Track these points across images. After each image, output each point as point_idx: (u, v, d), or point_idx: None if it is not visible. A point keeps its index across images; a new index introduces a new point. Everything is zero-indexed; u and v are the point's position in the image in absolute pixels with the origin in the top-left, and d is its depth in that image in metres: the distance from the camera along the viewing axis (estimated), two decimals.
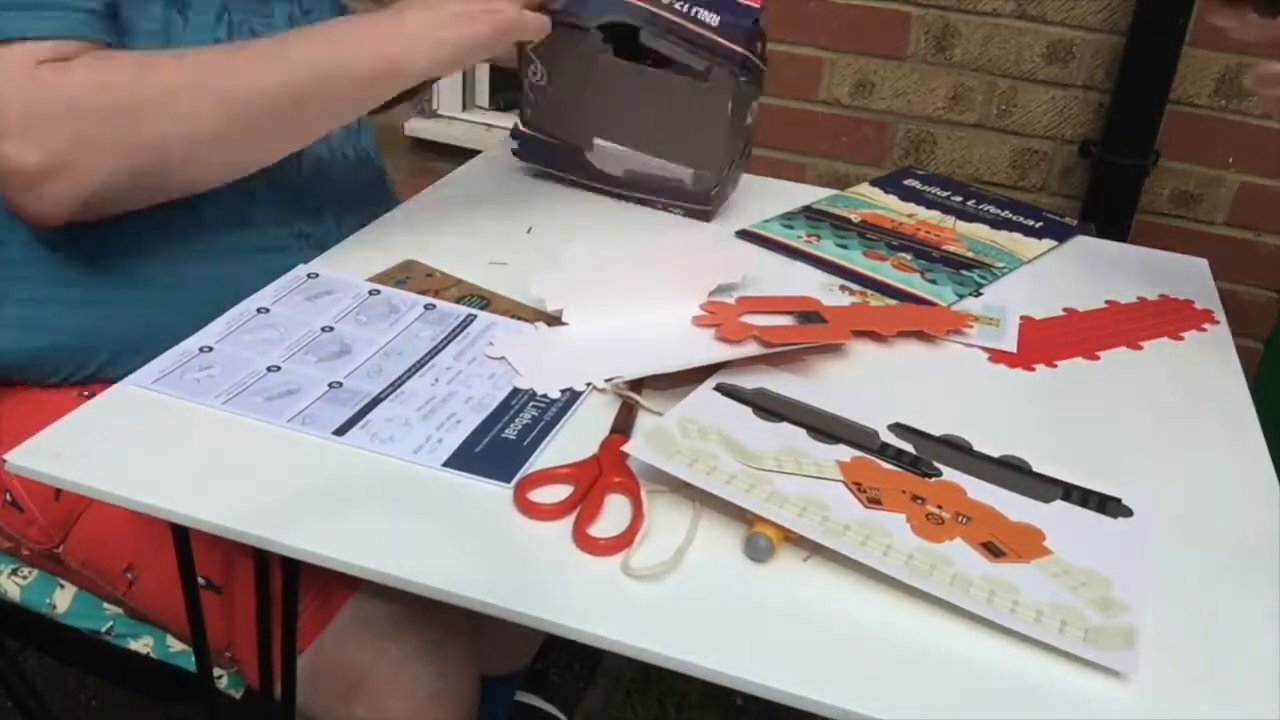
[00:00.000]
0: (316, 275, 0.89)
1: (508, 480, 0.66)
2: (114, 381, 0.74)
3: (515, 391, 0.75)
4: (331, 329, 0.82)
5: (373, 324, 0.83)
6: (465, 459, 0.68)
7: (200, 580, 0.78)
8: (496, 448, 0.69)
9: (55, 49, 0.75)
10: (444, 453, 0.69)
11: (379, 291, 0.87)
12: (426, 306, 0.86)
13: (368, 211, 1.02)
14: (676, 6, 0.98)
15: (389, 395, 0.74)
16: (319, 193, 0.95)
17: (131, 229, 0.84)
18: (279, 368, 0.77)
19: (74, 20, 0.77)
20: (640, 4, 0.98)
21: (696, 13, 0.98)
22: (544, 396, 0.75)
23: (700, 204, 1.05)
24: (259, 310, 0.84)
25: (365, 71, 0.84)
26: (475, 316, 0.85)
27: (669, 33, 0.98)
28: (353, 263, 0.92)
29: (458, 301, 0.87)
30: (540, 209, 1.07)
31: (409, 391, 0.75)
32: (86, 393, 0.88)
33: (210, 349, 0.78)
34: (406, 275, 0.91)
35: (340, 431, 0.70)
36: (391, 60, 0.84)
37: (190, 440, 0.69)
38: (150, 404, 0.72)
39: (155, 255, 0.87)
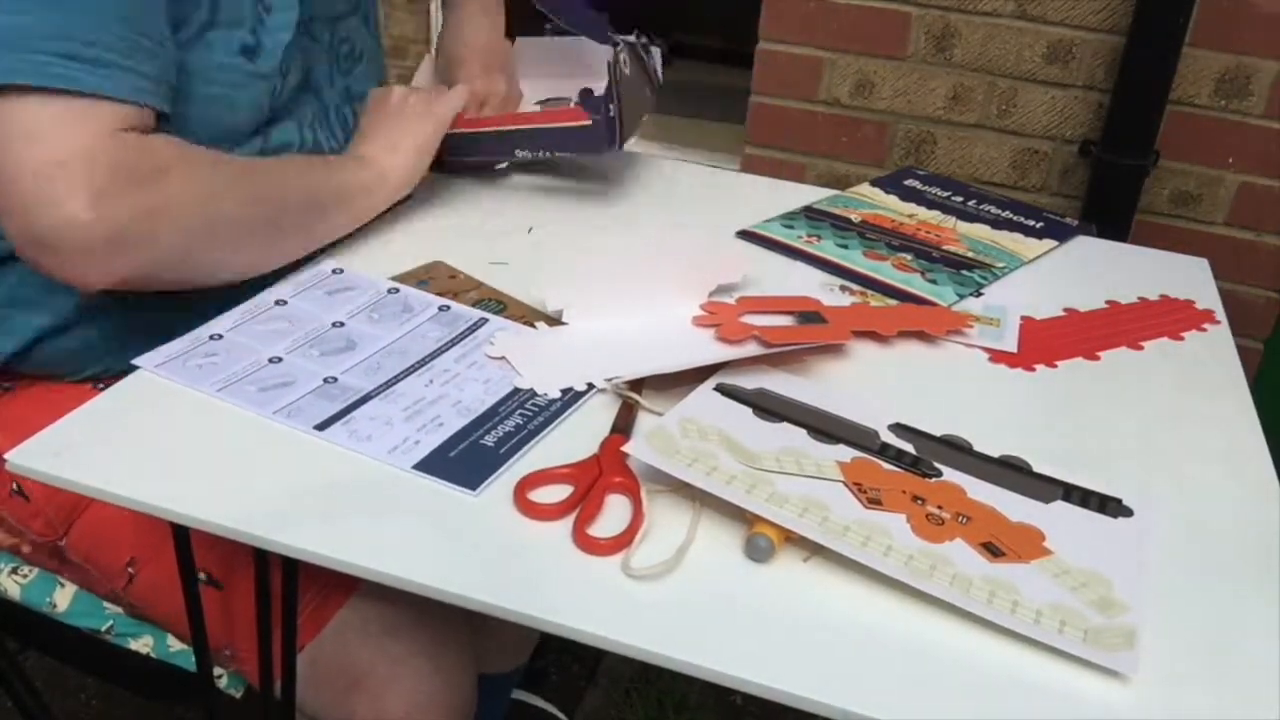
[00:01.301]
0: (341, 271, 0.90)
1: (473, 488, 0.66)
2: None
3: (507, 397, 0.75)
4: (342, 324, 0.82)
5: (383, 322, 0.83)
6: (436, 463, 0.68)
7: (201, 576, 0.79)
8: (472, 454, 0.69)
9: (132, 115, 0.74)
10: (417, 455, 0.68)
11: (398, 290, 0.88)
12: (441, 308, 0.86)
13: None
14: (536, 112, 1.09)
15: (379, 394, 0.74)
16: None
17: None
18: (280, 359, 0.77)
19: (143, 85, 0.75)
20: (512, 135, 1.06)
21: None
22: (535, 403, 0.75)
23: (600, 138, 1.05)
24: (277, 302, 0.84)
25: (359, 183, 0.94)
26: (486, 320, 0.85)
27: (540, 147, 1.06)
28: (379, 260, 0.92)
29: (474, 305, 0.87)
30: (540, 209, 1.07)
31: (400, 391, 0.75)
32: (102, 385, 0.88)
33: (220, 337, 0.79)
34: (430, 276, 0.91)
35: (321, 427, 0.70)
36: (379, 175, 0.95)
37: (187, 435, 0.70)
38: (150, 401, 0.73)
39: None
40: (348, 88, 1.03)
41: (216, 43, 0.83)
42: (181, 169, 0.77)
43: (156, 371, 0.75)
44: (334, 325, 0.82)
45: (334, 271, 0.90)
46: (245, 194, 0.82)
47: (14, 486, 0.89)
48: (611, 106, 1.01)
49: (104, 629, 0.93)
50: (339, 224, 0.92)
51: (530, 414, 0.74)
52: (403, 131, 0.98)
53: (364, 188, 0.94)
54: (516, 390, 0.76)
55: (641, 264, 0.87)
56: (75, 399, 0.72)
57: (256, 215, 0.83)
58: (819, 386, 0.79)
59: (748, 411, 0.74)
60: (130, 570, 0.89)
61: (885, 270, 0.98)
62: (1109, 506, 0.69)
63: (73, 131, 0.71)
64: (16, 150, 0.70)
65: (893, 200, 1.16)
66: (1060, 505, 0.69)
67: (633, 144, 1.12)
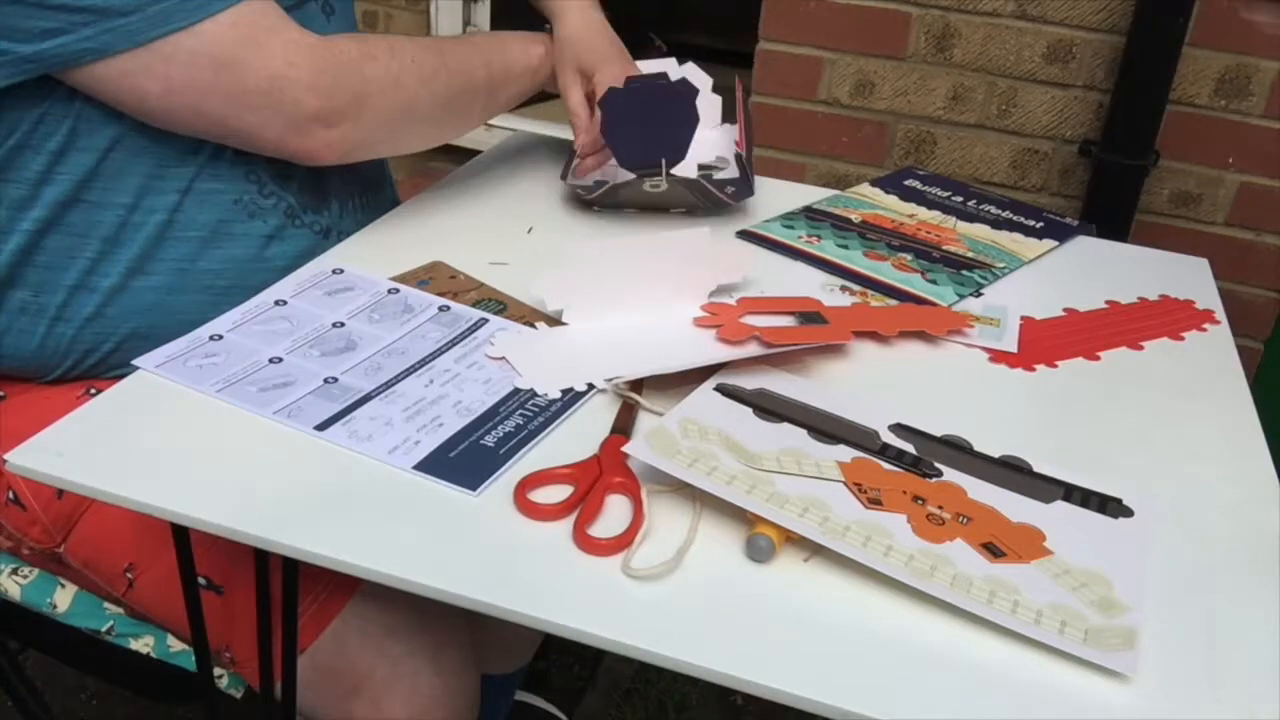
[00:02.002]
0: (341, 271, 0.90)
1: (474, 488, 0.66)
2: (118, 378, 0.74)
3: (507, 397, 0.75)
4: (342, 324, 0.82)
5: (384, 322, 0.83)
6: (437, 464, 0.68)
7: (200, 580, 0.78)
8: (472, 454, 0.69)
9: (278, 12, 0.84)
10: (417, 455, 0.68)
11: (398, 290, 0.88)
12: (441, 308, 0.86)
13: (370, 196, 1.03)
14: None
15: (379, 394, 0.74)
16: (323, 179, 0.96)
17: (135, 219, 0.85)
18: (281, 359, 0.77)
19: None
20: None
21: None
22: (535, 404, 0.75)
23: (722, 200, 1.06)
24: (277, 302, 0.84)
25: (524, 64, 1.04)
26: (486, 320, 0.85)
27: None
28: (379, 260, 0.92)
29: (475, 305, 0.87)
30: (540, 209, 1.07)
31: (400, 391, 0.75)
32: (94, 389, 0.88)
33: (220, 337, 0.79)
34: (430, 276, 0.91)
35: (322, 427, 0.70)
36: (540, 58, 1.05)
37: (187, 435, 0.70)
38: (150, 400, 0.73)
39: (167, 241, 0.87)
40: None
41: None
42: (376, 59, 0.89)
43: (156, 372, 0.75)
44: (334, 325, 0.82)
45: (334, 271, 0.90)
46: (431, 74, 0.93)
47: (10, 494, 0.89)
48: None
49: (104, 629, 0.93)
50: (504, 101, 1.03)
51: (530, 414, 0.74)
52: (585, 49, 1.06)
53: (529, 70, 1.04)
54: (516, 390, 0.76)
55: (642, 264, 0.87)
56: (66, 405, 0.72)
57: (442, 93, 0.95)
58: (819, 386, 0.79)
59: (748, 411, 0.74)
60: (129, 575, 0.89)
61: (885, 270, 0.98)
62: (1109, 506, 0.69)
63: (278, 40, 0.83)
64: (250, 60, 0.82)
65: (893, 200, 1.16)
66: (1060, 505, 0.69)
67: None
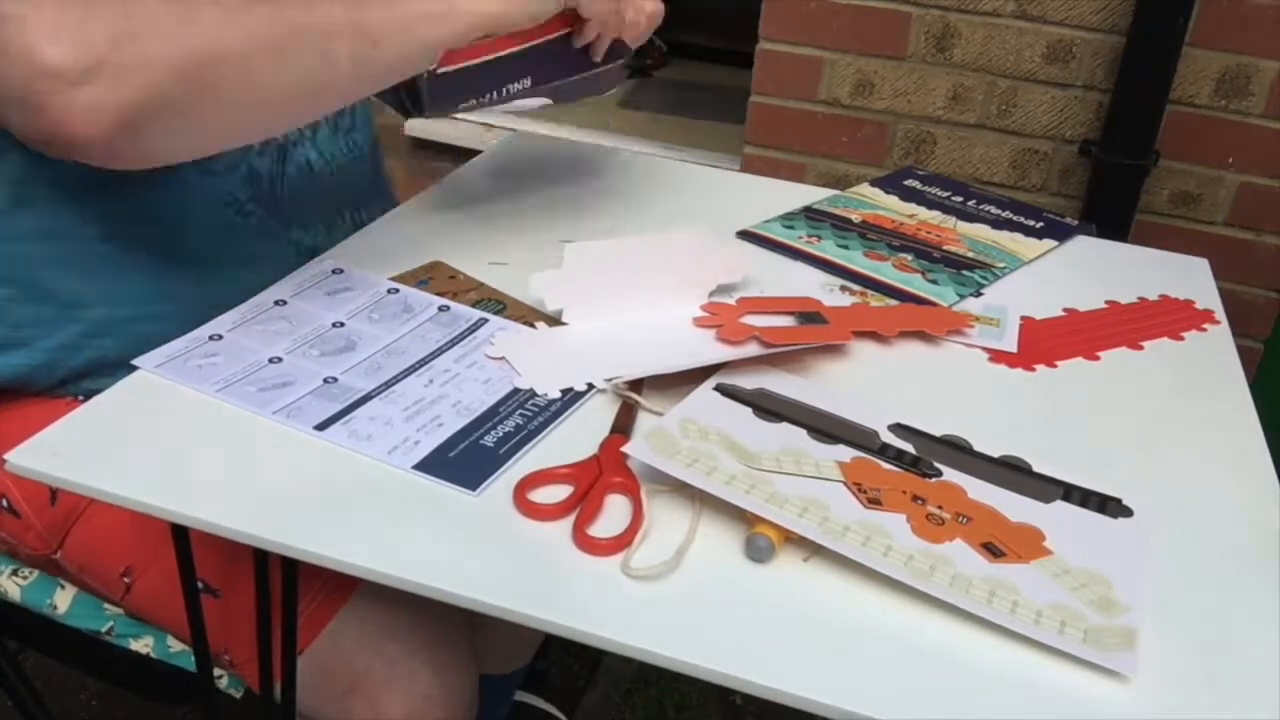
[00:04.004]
0: (340, 271, 0.90)
1: (474, 488, 0.66)
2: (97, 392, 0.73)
3: (507, 397, 0.75)
4: (342, 324, 0.82)
5: (383, 322, 0.83)
6: (437, 463, 0.68)
7: (198, 584, 0.78)
8: (471, 454, 0.69)
9: None
10: (417, 455, 0.68)
11: (397, 290, 0.88)
12: (441, 308, 0.86)
13: (365, 211, 1.01)
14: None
15: (379, 394, 0.74)
16: (309, 199, 0.94)
17: (115, 240, 0.83)
18: (280, 359, 0.77)
19: None
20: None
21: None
22: (534, 403, 0.75)
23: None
24: (276, 302, 0.84)
25: (426, 9, 0.78)
26: (486, 320, 0.85)
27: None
28: (379, 260, 0.92)
29: (474, 305, 0.87)
30: (541, 209, 1.07)
31: (400, 391, 0.75)
32: (82, 398, 0.87)
33: (220, 337, 0.79)
34: (430, 276, 0.91)
35: (321, 427, 0.70)
36: (452, 1, 0.79)
37: (187, 435, 0.69)
38: (149, 401, 0.73)
39: (139, 269, 0.85)
40: None
41: None
42: None
43: (156, 372, 0.75)
44: (334, 325, 0.82)
45: (334, 271, 0.90)
46: (255, 17, 0.69)
47: (3, 502, 0.88)
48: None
49: (104, 630, 0.93)
50: (390, 60, 0.77)
51: (530, 414, 0.74)
52: None
53: (426, 14, 0.77)
54: (516, 390, 0.76)
55: (641, 264, 0.87)
56: (58, 412, 0.71)
57: (265, 36, 0.69)
58: (819, 386, 0.79)
59: (748, 411, 0.74)
60: (126, 580, 0.89)
61: (886, 270, 0.98)
62: (1109, 506, 0.69)
63: None
64: None
65: (893, 200, 1.16)
66: (1060, 505, 0.69)
67: (633, 144, 1.12)
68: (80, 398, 0.86)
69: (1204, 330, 0.94)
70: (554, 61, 0.93)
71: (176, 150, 0.73)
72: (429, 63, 0.81)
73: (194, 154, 0.75)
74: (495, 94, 0.92)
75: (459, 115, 0.95)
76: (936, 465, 0.71)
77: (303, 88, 0.74)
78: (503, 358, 0.80)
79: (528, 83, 0.93)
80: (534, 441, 0.71)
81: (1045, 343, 0.89)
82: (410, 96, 0.88)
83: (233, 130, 0.75)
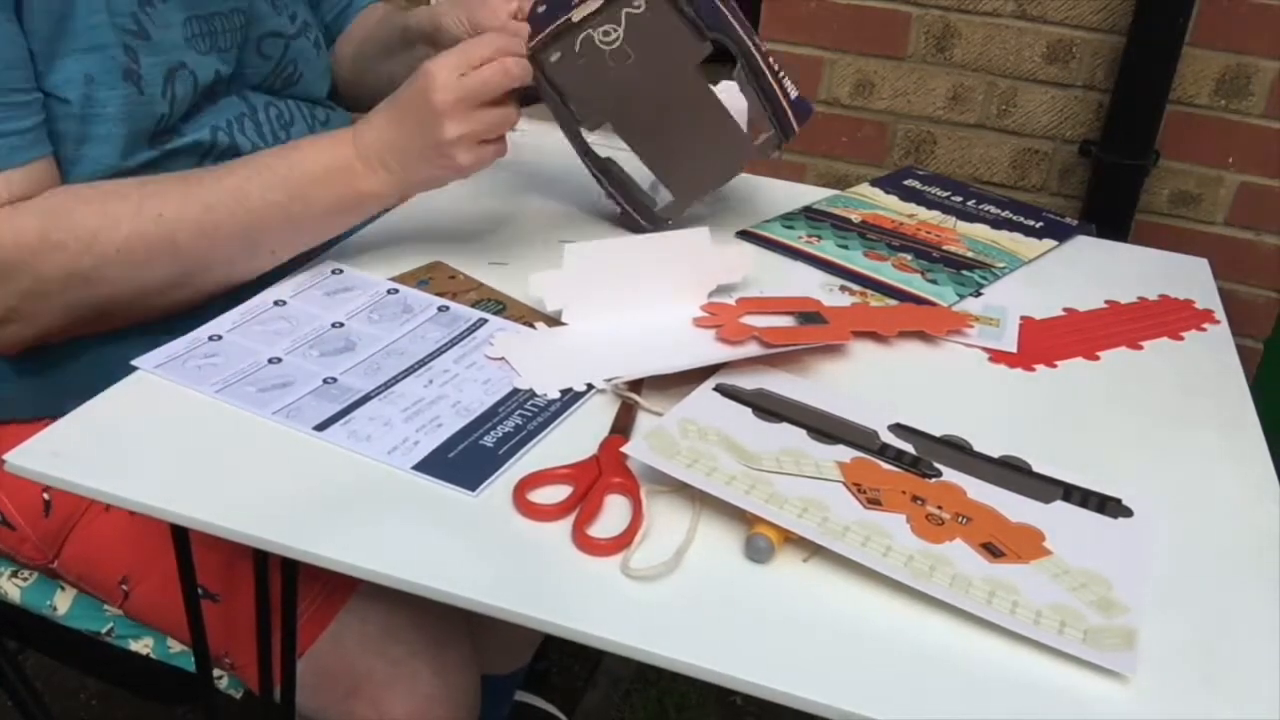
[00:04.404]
0: (340, 271, 0.89)
1: (473, 489, 0.66)
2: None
3: (506, 397, 0.75)
4: (342, 325, 0.82)
5: (383, 323, 0.83)
6: (436, 464, 0.68)
7: (197, 589, 0.78)
8: (471, 455, 0.69)
9: (18, 178, 0.76)
10: (417, 456, 0.68)
11: (397, 291, 0.88)
12: (440, 309, 0.86)
13: None
14: (771, 62, 0.97)
15: (379, 394, 0.74)
16: None
17: None
18: (280, 359, 0.77)
19: (18, 143, 0.76)
20: (750, 41, 0.94)
21: (783, 78, 0.98)
22: (534, 404, 0.75)
23: (647, 223, 1.01)
24: (275, 303, 0.84)
25: (333, 209, 0.84)
26: (486, 320, 0.85)
27: (755, 78, 0.96)
28: (379, 260, 0.92)
29: (474, 305, 0.87)
30: (541, 210, 1.07)
31: (399, 392, 0.75)
32: None
33: (219, 338, 0.79)
34: (430, 276, 0.91)
35: (321, 427, 0.70)
36: (359, 198, 0.84)
37: (186, 436, 0.69)
38: (148, 401, 0.73)
39: None
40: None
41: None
42: (63, 249, 0.76)
43: (155, 372, 0.75)
44: (333, 326, 0.82)
45: (333, 272, 0.90)
46: (151, 250, 0.78)
47: None
48: None
49: (104, 630, 0.93)
50: (291, 253, 0.86)
51: (530, 414, 0.73)
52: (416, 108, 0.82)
53: (338, 212, 0.85)
54: (516, 391, 0.76)
55: (641, 264, 0.87)
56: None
57: (180, 277, 0.81)
58: (819, 386, 0.79)
59: (748, 412, 0.74)
60: (124, 588, 0.89)
61: (885, 270, 0.98)
62: (1109, 506, 0.69)
63: None
64: None
65: (893, 200, 1.16)
66: (1060, 505, 0.69)
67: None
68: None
69: (1204, 330, 0.94)
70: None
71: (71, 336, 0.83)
72: (348, 216, 0.87)
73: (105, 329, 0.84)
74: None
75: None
76: (936, 465, 0.71)
77: (192, 300, 0.84)
78: (502, 358, 0.80)
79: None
80: (533, 442, 0.71)
81: (1045, 343, 0.89)
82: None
83: (121, 325, 0.84)
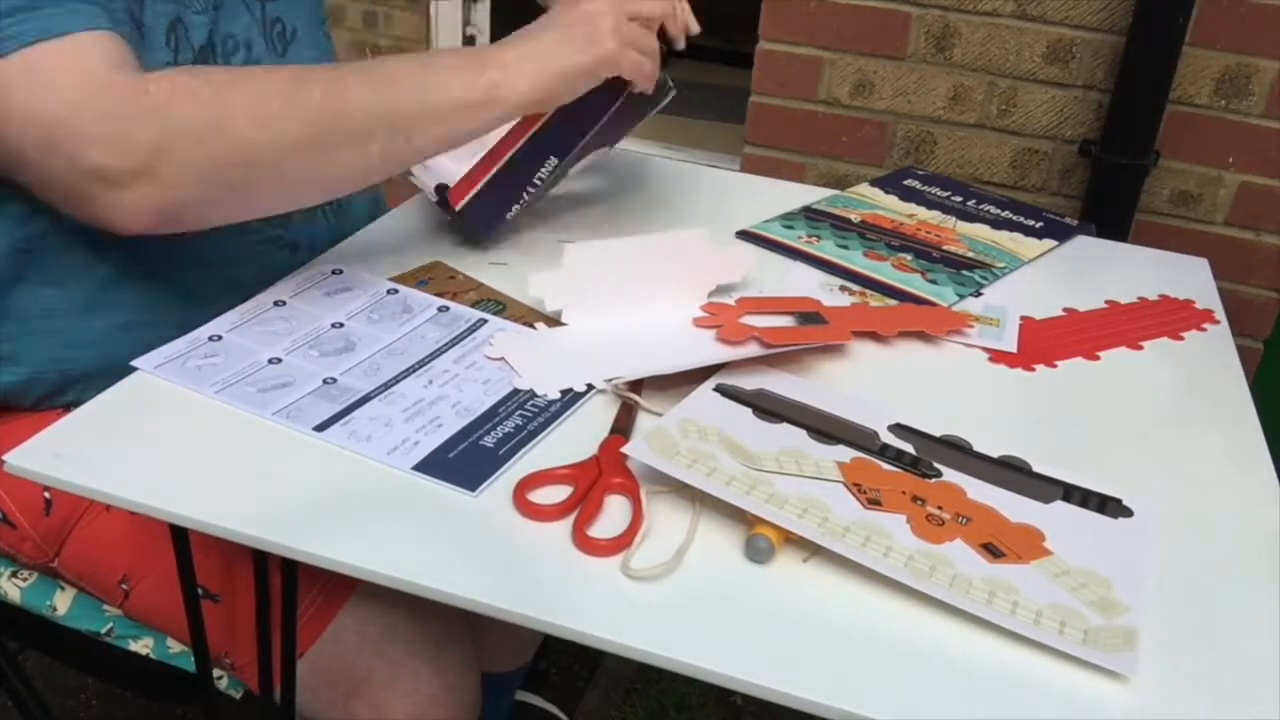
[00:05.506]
0: (340, 271, 0.90)
1: (473, 489, 0.66)
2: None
3: (506, 398, 0.75)
4: (341, 325, 0.82)
5: (383, 323, 0.83)
6: (436, 464, 0.68)
7: (197, 590, 0.78)
8: (471, 455, 0.69)
9: (109, 47, 0.72)
10: (417, 456, 0.68)
11: (397, 291, 0.88)
12: (440, 309, 0.86)
13: (348, 202, 1.00)
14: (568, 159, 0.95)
15: (378, 395, 0.74)
16: None
17: (87, 249, 0.82)
18: (280, 360, 0.77)
19: (101, 13, 0.72)
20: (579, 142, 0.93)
21: (533, 187, 0.95)
22: (534, 404, 0.75)
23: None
24: (275, 303, 0.84)
25: (461, 98, 0.80)
26: (485, 321, 0.85)
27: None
28: (379, 260, 0.92)
29: (474, 306, 0.87)
30: (541, 210, 1.07)
31: (399, 392, 0.75)
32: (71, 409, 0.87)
33: (219, 338, 0.79)
34: (429, 276, 0.91)
35: (321, 428, 0.70)
36: (490, 88, 0.80)
37: (186, 437, 0.69)
38: (148, 402, 0.73)
39: (112, 275, 0.84)
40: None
41: None
42: (195, 96, 0.72)
43: (155, 372, 0.75)
44: (333, 326, 0.82)
45: (333, 272, 0.90)
46: (279, 112, 0.74)
47: None
48: None
49: (104, 631, 0.93)
50: (428, 143, 0.81)
51: (530, 415, 0.73)
52: (556, 41, 0.82)
53: (470, 105, 0.80)
54: (516, 391, 0.76)
55: (641, 264, 0.87)
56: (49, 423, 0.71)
57: (296, 137, 0.75)
58: (819, 387, 0.79)
59: (748, 412, 0.74)
60: (124, 587, 0.89)
61: (885, 270, 0.98)
62: (1109, 506, 0.69)
63: (68, 77, 0.69)
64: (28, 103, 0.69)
65: (893, 200, 1.16)
66: (1060, 505, 0.69)
67: (633, 144, 1.12)
68: (68, 408, 0.86)
69: (1204, 330, 0.94)
70: (568, 125, 0.90)
71: (209, 225, 0.79)
72: (472, 136, 0.84)
73: (226, 223, 0.80)
74: (529, 190, 0.95)
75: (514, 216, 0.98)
76: (936, 465, 0.71)
77: (333, 179, 0.81)
78: (502, 358, 0.80)
79: (554, 161, 0.93)
80: (533, 442, 0.71)
81: (1045, 343, 0.89)
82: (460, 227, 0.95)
83: (264, 211, 0.82)
